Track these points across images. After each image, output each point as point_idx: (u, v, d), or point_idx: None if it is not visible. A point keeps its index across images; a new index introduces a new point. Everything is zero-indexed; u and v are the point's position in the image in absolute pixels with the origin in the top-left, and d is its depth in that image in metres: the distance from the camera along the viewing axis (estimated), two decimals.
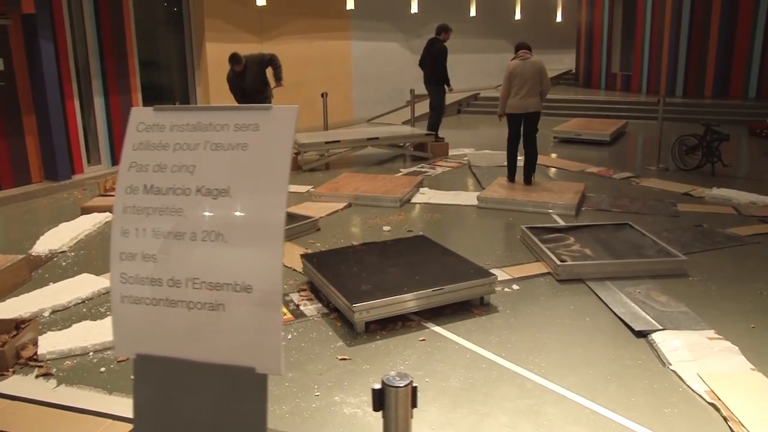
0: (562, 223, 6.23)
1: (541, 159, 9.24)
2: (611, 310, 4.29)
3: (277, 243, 1.56)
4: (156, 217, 1.63)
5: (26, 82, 7.86)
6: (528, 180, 7.36)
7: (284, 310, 4.40)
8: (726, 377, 3.41)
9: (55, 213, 7.02)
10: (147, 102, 9.52)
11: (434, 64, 9.86)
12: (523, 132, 7.24)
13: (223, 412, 1.64)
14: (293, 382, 3.49)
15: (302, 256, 4.92)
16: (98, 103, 8.81)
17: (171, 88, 10.59)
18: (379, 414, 3.15)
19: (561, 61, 19.08)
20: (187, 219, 1.60)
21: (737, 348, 3.71)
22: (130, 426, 3.04)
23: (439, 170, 8.93)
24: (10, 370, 3.64)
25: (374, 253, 4.90)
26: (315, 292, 4.65)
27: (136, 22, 9.26)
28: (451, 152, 10.02)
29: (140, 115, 1.84)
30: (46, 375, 3.61)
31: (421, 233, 5.73)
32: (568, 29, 18.59)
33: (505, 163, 7.59)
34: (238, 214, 1.57)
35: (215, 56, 10.67)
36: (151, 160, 1.72)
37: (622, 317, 4.16)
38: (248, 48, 11.33)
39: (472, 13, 16.60)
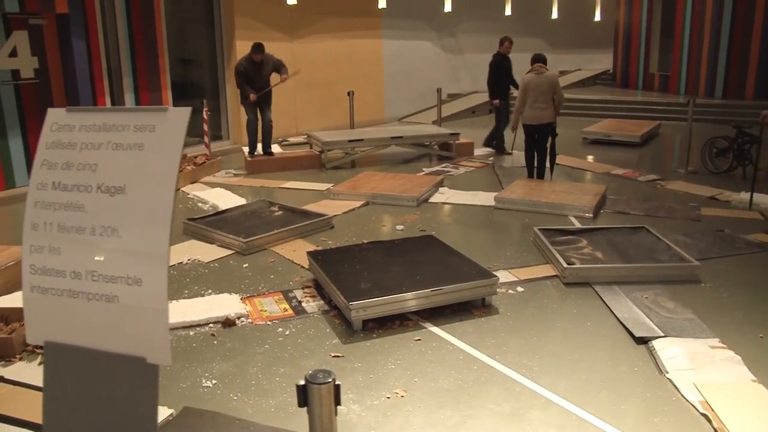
0: (578, 225, 6.14)
1: (566, 160, 9.18)
2: (615, 315, 4.21)
3: (163, 239, 1.61)
4: (62, 213, 1.73)
5: (59, 79, 8.13)
6: (541, 176, 7.77)
7: (285, 306, 4.45)
8: (723, 388, 3.31)
9: None
10: (176, 99, 9.74)
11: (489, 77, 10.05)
12: (537, 141, 7.58)
13: (118, 399, 1.72)
14: (284, 378, 3.54)
15: (308, 253, 4.97)
16: (129, 100, 9.06)
17: (201, 85, 10.80)
18: (361, 411, 3.19)
19: (599, 61, 18.70)
20: (87, 215, 1.69)
21: (740, 358, 3.60)
22: None
23: (462, 170, 8.89)
24: (17, 356, 3.79)
25: (379, 251, 4.92)
26: (319, 290, 4.69)
27: (167, 21, 9.49)
28: (477, 152, 9.95)
29: (55, 115, 1.94)
30: None
31: (430, 233, 5.71)
32: (606, 28, 18.20)
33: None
34: (131, 211, 1.64)
35: (245, 53, 10.82)
36: (60, 159, 1.81)
37: (624, 323, 4.08)
38: (278, 46, 11.50)
39: (507, 12, 16.43)
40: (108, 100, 8.71)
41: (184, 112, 1.73)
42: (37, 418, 3.05)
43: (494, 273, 4.60)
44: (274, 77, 8.86)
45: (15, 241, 5.67)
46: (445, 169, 8.93)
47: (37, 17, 7.77)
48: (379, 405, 3.24)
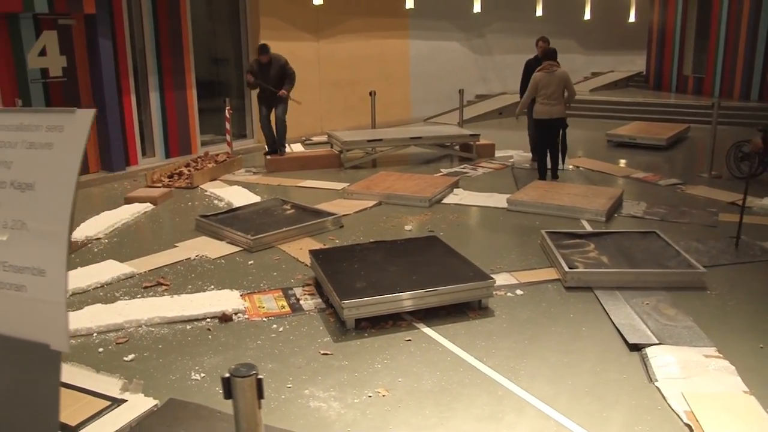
0: (589, 228, 6.06)
1: (587, 162, 9.06)
2: (612, 320, 4.15)
3: (63, 233, 1.68)
4: None
5: (86, 77, 8.37)
6: (555, 175, 7.96)
7: (284, 303, 4.51)
8: (712, 398, 3.24)
9: (103, 201, 7.45)
10: (201, 98, 9.93)
11: None
12: (549, 136, 7.86)
13: (23, 384, 1.80)
14: (271, 373, 3.59)
15: (310, 251, 5.02)
16: (154, 98, 9.27)
17: (226, 84, 10.99)
18: (341, 409, 3.21)
19: (633, 63, 18.33)
20: (2, 208, 1.77)
21: (734, 368, 3.51)
22: (106, 403, 3.24)
23: (480, 171, 8.84)
24: None
25: (381, 251, 4.94)
26: (318, 288, 4.73)
27: (193, 20, 9.67)
28: (499, 153, 9.87)
29: None
30: None
31: (438, 234, 5.70)
32: (640, 29, 17.85)
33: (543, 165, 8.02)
34: (37, 206, 1.71)
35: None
36: None
37: (620, 329, 4.01)
38: (303, 46, 11.63)
39: (539, 12, 16.25)
40: (133, 98, 8.93)
41: (89, 114, 1.80)
42: None
43: (495, 275, 4.59)
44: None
45: None
46: (464, 170, 8.90)
47: (67, 18, 8.02)
48: (359, 403, 3.26)
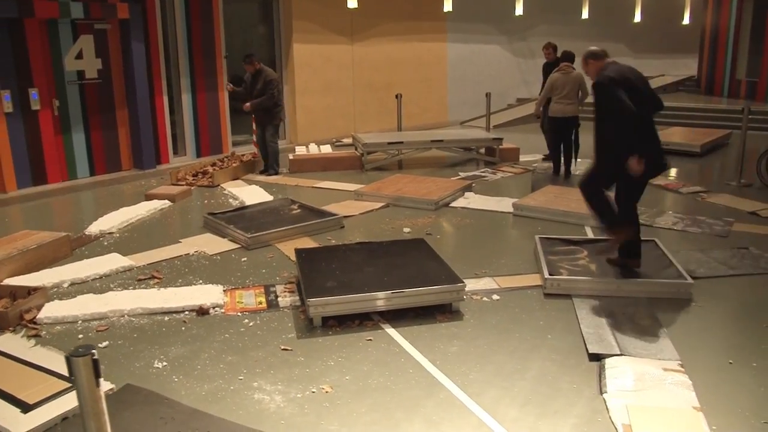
0: (591, 235, 5.93)
1: None
2: (580, 329, 4.08)
3: None
4: None
5: (121, 79, 8.79)
6: (568, 172, 8.44)
7: (262, 299, 4.64)
8: (656, 413, 3.15)
9: (128, 198, 7.81)
10: (232, 100, 10.23)
11: None
12: (564, 134, 8.40)
13: None
14: (228, 365, 3.72)
15: (296, 250, 5.14)
16: (186, 99, 9.64)
17: None
18: (281, 402, 3.30)
19: (686, 66, 17.66)
20: None
21: (692, 383, 3.39)
22: (67, 384, 3.43)
23: (499, 175, 8.77)
24: (10, 328, 4.20)
25: (363, 252, 5.00)
26: (299, 286, 4.84)
27: (226, 23, 10.00)
28: (524, 158, 9.76)
29: None
30: (35, 336, 4.13)
31: (430, 235, 5.72)
32: (693, 32, 17.18)
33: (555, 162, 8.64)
34: None
35: (302, 57, 11.23)
36: None
37: (585, 337, 3.94)
38: (337, 49, 11.80)
39: (584, 15, 15.89)
40: (165, 98, 9.31)
41: None
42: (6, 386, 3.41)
43: (478, 280, 4.59)
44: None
45: (57, 228, 6.25)
46: (483, 174, 8.85)
47: (102, 22, 8.46)
48: (300, 398, 3.34)
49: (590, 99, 5.17)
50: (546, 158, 9.46)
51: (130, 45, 8.58)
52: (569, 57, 8.33)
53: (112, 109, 8.80)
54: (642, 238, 5.21)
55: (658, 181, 8.06)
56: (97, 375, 1.78)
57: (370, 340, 3.99)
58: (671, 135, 10.59)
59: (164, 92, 9.28)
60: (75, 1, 8.01)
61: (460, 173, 8.84)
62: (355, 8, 11.05)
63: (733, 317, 4.27)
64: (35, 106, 7.96)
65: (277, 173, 8.91)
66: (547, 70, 9.09)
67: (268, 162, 8.91)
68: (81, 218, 6.98)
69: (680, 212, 6.70)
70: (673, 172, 8.73)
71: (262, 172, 9.00)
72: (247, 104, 8.55)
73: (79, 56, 8.37)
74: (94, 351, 1.76)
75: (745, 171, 7.96)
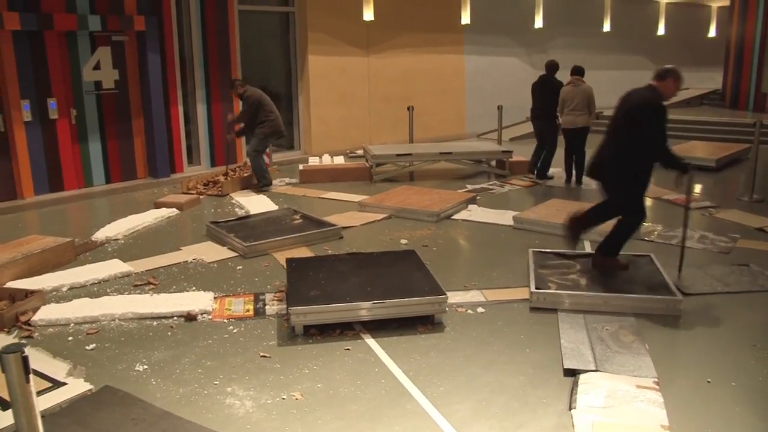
0: (589, 249, 5.89)
1: None
2: (560, 344, 4.05)
3: None
4: None
5: (137, 90, 9.04)
6: (579, 180, 8.88)
7: (250, 307, 4.72)
8: (622, 430, 3.12)
9: (139, 205, 7.99)
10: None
11: None
12: (574, 144, 8.79)
13: None
14: (206, 370, 3.79)
15: (287, 259, 5.21)
16: (201, 109, 9.85)
17: (275, 98, 11.42)
18: (251, 408, 3.36)
19: (711, 79, 17.38)
20: None
21: (663, 401, 3.35)
22: (48, 384, 3.55)
23: (506, 188, 8.75)
24: (5, 329, 4.35)
25: (351, 262, 5.05)
26: (287, 295, 4.91)
27: (242, 33, 10.20)
28: None
29: None
30: (28, 337, 4.26)
31: (431, 249, 5.74)
32: (719, 45, 16.91)
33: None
34: None
35: (318, 69, 11.37)
36: None
37: (563, 352, 3.92)
38: (353, 61, 11.93)
39: (606, 28, 15.79)
40: (180, 109, 9.53)
41: None
42: None
43: (465, 292, 4.61)
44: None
45: (69, 233, 6.44)
46: (490, 186, 8.84)
47: (120, 34, 8.72)
48: (270, 404, 3.40)
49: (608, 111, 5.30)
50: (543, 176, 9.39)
51: (147, 56, 8.82)
52: (579, 71, 8.77)
53: (128, 119, 9.04)
54: (637, 253, 5.17)
55: (668, 195, 7.96)
56: (27, 371, 1.86)
57: (348, 349, 4.03)
58: (689, 149, 10.45)
59: (179, 102, 9.50)
60: (93, 14, 8.29)
61: (467, 185, 8.85)
62: (371, 20, 11.20)
63: (719, 335, 4.20)
64: (53, 115, 8.22)
65: (265, 186, 8.71)
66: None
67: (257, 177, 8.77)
68: (93, 225, 7.16)
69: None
70: (697, 188, 8.65)
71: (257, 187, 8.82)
72: (230, 114, 9.06)
73: (97, 67, 8.64)
74: (24, 348, 1.84)
75: (757, 186, 7.80)
